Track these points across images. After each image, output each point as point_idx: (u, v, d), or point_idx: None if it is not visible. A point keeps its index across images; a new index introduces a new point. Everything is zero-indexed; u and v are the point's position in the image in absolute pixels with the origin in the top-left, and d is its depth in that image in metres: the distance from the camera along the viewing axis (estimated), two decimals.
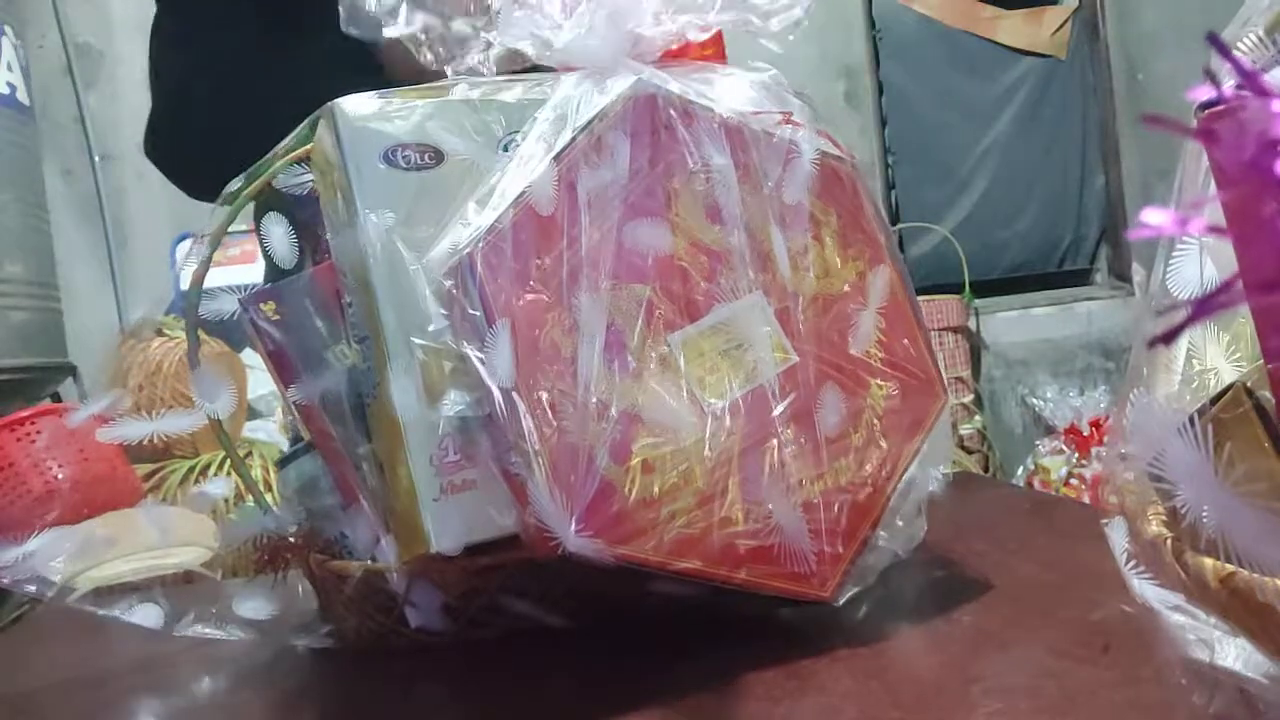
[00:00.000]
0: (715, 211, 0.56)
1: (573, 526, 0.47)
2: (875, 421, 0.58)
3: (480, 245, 0.50)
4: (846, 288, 0.60)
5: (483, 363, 0.49)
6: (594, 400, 0.50)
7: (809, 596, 0.54)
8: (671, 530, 0.50)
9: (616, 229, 0.53)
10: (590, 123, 0.54)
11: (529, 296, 0.50)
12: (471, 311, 0.50)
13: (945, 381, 0.62)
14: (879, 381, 0.59)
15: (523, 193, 0.51)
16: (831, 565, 0.55)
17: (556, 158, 0.52)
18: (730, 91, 0.59)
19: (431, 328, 0.51)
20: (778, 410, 0.55)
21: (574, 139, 0.53)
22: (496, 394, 0.48)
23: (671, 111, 0.56)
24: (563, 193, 0.52)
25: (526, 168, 0.52)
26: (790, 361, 0.56)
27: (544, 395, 0.49)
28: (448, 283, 0.51)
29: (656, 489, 0.50)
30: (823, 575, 0.54)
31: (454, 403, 0.50)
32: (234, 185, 0.63)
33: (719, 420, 0.53)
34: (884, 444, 0.58)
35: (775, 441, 0.54)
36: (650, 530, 0.50)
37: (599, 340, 0.51)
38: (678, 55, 0.61)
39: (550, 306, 0.51)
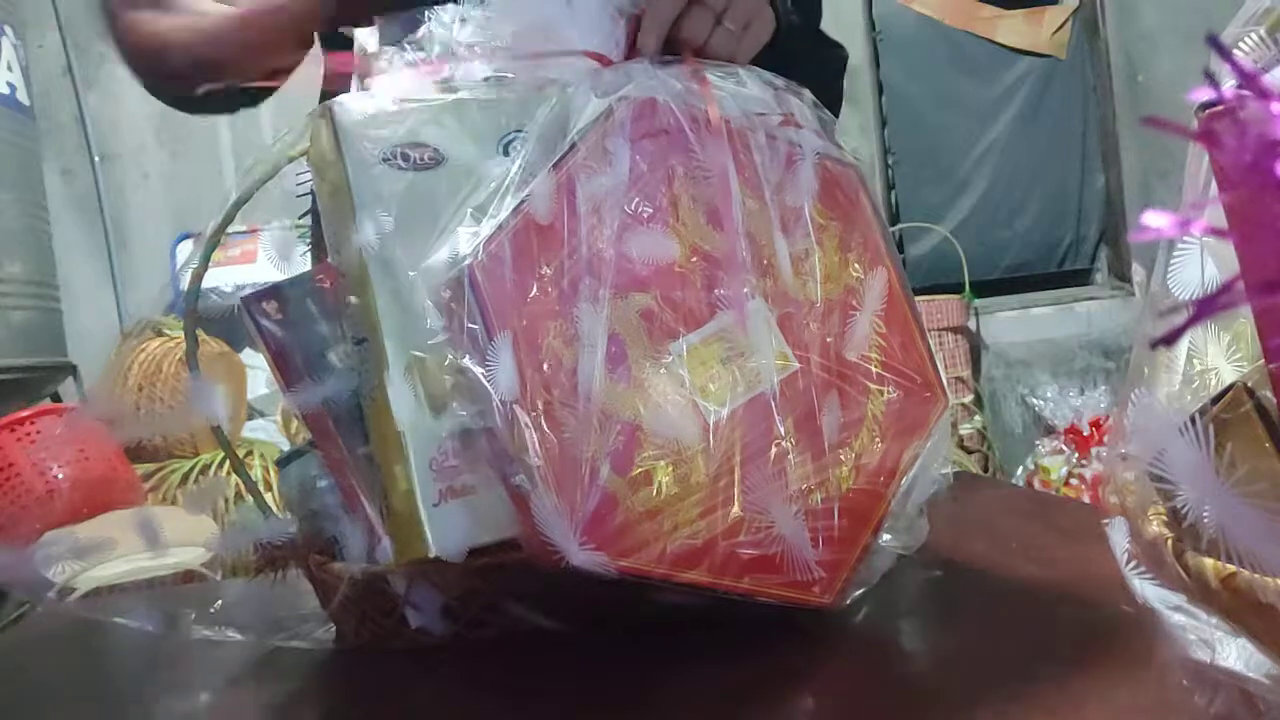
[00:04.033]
0: (716, 217, 0.56)
1: (576, 539, 0.47)
2: (875, 427, 0.58)
3: (480, 257, 0.50)
4: (846, 292, 0.59)
5: (485, 376, 0.48)
6: (596, 411, 0.49)
7: (811, 604, 0.54)
8: (674, 541, 0.50)
9: (617, 237, 0.52)
10: (590, 128, 0.53)
11: (530, 308, 0.50)
12: (471, 325, 0.49)
13: (945, 384, 0.62)
14: (879, 386, 0.58)
15: (522, 201, 0.51)
16: (833, 572, 0.55)
17: (555, 165, 0.52)
18: (732, 92, 0.59)
19: (431, 341, 0.50)
20: (779, 418, 0.54)
21: (573, 145, 0.53)
22: (498, 407, 0.48)
23: (672, 114, 0.56)
24: (562, 200, 0.52)
25: (526, 173, 0.52)
26: (791, 368, 0.56)
27: (546, 407, 0.49)
28: (447, 294, 0.50)
29: (658, 500, 0.50)
30: (825, 582, 0.54)
31: (455, 414, 0.50)
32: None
33: (721, 429, 0.52)
34: (884, 449, 0.57)
35: (776, 449, 0.54)
36: (653, 542, 0.50)
37: (600, 350, 0.50)
38: None
39: (551, 317, 0.50)
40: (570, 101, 0.55)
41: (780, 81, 0.62)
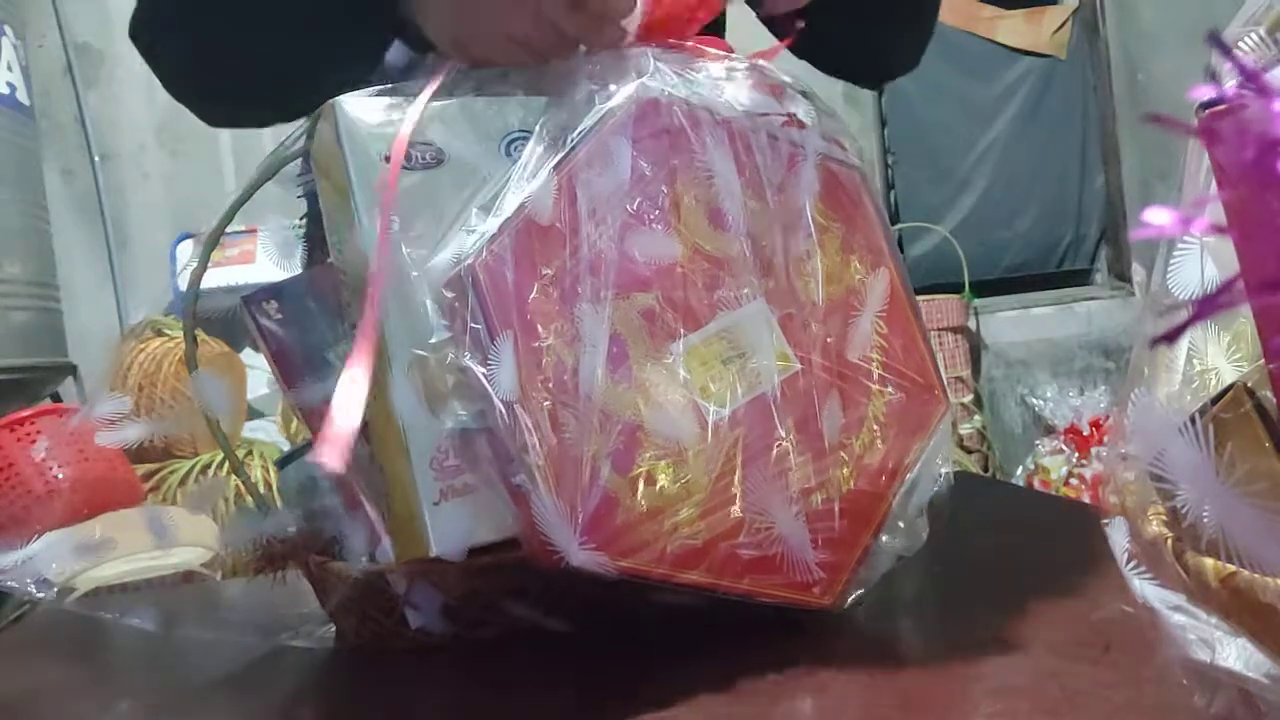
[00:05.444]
0: (718, 217, 0.56)
1: (576, 539, 0.47)
2: (876, 428, 0.58)
3: (482, 257, 0.50)
4: (848, 293, 0.59)
5: (486, 376, 0.48)
6: (597, 411, 0.49)
7: (812, 605, 0.54)
8: (674, 541, 0.50)
9: (619, 237, 0.52)
10: (591, 129, 0.53)
11: (531, 308, 0.50)
12: (473, 325, 0.49)
13: (946, 386, 0.62)
14: (880, 387, 0.58)
15: (523, 203, 0.51)
16: (834, 573, 0.55)
17: (556, 167, 0.52)
18: (735, 91, 0.59)
19: (433, 339, 0.50)
20: (780, 418, 0.54)
21: (574, 147, 0.53)
22: (500, 407, 0.48)
23: (675, 115, 0.55)
24: (563, 202, 0.52)
25: (528, 174, 0.52)
26: (792, 369, 0.56)
27: (547, 407, 0.49)
28: (449, 294, 0.50)
29: (659, 500, 0.50)
30: (825, 583, 0.54)
31: (456, 413, 0.50)
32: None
33: (721, 430, 0.52)
34: (885, 450, 0.57)
35: (777, 450, 0.54)
36: (653, 542, 0.50)
37: (601, 351, 0.50)
38: (679, 32, 0.60)
39: (553, 317, 0.50)
40: (573, 101, 0.55)
41: (786, 81, 0.62)
